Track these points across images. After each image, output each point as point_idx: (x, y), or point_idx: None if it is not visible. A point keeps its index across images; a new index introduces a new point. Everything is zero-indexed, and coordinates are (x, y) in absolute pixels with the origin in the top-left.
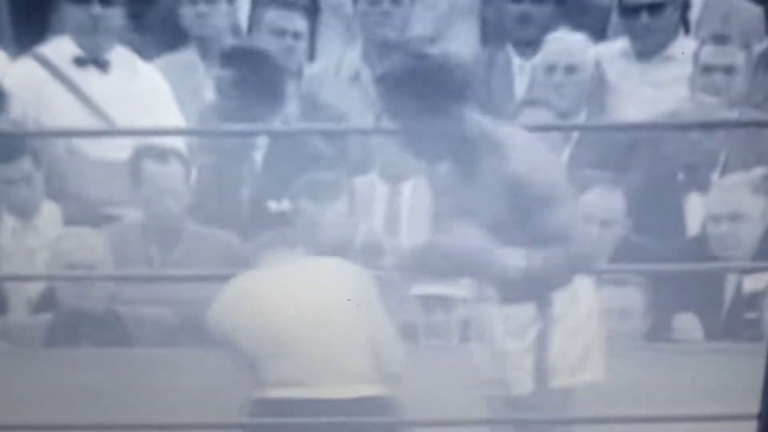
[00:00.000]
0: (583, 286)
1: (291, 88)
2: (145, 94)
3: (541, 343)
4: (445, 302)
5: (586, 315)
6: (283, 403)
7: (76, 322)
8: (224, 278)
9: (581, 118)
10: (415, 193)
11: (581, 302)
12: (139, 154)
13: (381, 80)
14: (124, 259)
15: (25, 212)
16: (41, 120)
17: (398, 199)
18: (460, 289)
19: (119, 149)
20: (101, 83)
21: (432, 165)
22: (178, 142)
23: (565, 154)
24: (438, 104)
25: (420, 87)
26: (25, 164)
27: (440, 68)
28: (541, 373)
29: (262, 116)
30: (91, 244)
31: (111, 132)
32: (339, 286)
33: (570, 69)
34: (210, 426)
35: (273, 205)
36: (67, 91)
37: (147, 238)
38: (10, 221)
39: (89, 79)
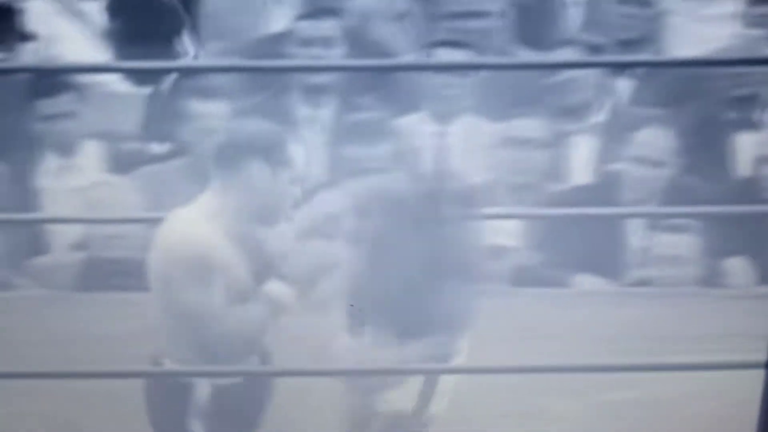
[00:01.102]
0: None
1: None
2: None
3: None
4: (494, 251)
5: None
6: None
7: (108, 270)
8: None
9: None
10: (463, 132)
11: None
12: (183, 91)
13: None
14: (162, 201)
15: (67, 150)
16: (57, 55)
17: (445, 140)
18: (511, 238)
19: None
20: None
21: None
22: (222, 79)
23: (626, 92)
24: None
25: None
26: (67, 99)
27: None
28: None
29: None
30: (123, 195)
31: (155, 68)
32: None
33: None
34: (240, 372)
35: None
36: (77, 24)
37: (188, 179)
38: (53, 161)
39: (96, 10)
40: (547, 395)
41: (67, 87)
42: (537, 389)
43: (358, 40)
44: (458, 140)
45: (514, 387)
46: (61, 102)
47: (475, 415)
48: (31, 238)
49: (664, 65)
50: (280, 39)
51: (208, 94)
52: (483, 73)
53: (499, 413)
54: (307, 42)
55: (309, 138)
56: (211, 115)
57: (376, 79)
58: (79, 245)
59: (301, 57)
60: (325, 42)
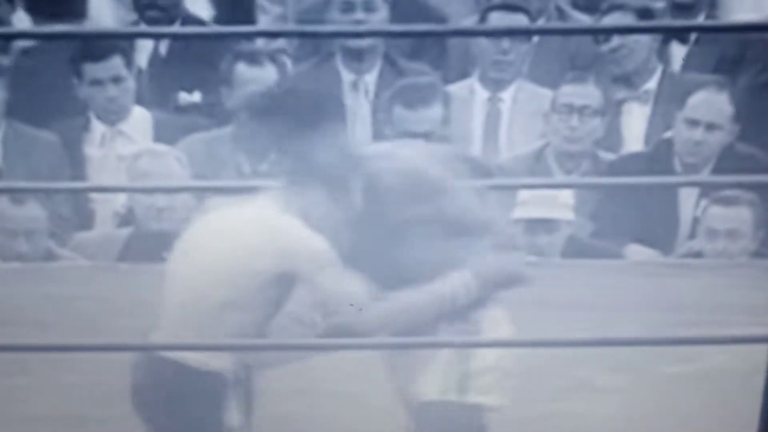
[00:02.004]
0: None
1: None
2: None
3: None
4: (548, 224)
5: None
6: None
7: (154, 240)
8: None
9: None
10: (516, 98)
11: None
12: (234, 57)
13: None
14: (211, 169)
15: (114, 117)
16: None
17: (498, 106)
18: (564, 211)
19: None
20: None
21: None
22: (276, 44)
23: (680, 57)
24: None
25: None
26: (115, 64)
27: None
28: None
29: None
30: (167, 165)
31: (209, 34)
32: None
33: None
34: (290, 346)
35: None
36: None
37: (237, 146)
38: (100, 128)
39: None
40: (597, 369)
41: (114, 51)
42: (587, 362)
43: (408, 4)
44: (510, 107)
45: (565, 360)
46: (110, 66)
47: (524, 389)
48: (77, 209)
49: (721, 30)
50: (326, 5)
51: (256, 59)
52: (536, 39)
53: (549, 387)
54: (349, 6)
55: (356, 104)
56: (259, 80)
57: (427, 43)
58: (126, 216)
59: (343, 22)
60: (367, 6)
